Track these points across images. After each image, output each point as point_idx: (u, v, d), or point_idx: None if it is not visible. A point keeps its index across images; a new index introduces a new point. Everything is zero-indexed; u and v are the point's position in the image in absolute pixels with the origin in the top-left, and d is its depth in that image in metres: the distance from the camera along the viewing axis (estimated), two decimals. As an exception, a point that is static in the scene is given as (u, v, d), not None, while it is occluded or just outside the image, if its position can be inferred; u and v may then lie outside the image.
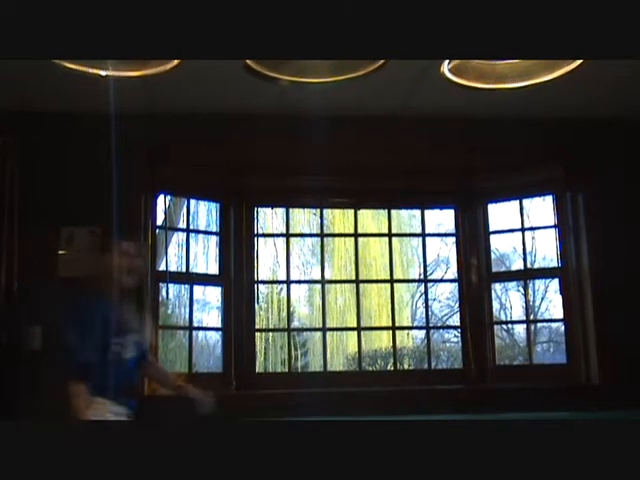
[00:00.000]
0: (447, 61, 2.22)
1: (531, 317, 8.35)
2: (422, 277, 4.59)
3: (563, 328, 4.17)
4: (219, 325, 4.16)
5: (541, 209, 4.36)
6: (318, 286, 4.37)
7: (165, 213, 4.39)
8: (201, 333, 6.33)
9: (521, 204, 4.27)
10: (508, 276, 5.78)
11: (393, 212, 4.52)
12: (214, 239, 4.33)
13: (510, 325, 10.16)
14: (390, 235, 4.49)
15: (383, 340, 7.80)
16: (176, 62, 2.19)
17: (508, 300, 9.74)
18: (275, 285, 7.42)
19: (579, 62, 2.17)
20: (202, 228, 5.09)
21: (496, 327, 4.33)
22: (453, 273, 4.47)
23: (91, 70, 2.24)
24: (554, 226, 4.21)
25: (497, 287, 7.84)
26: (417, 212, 4.51)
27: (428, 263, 4.57)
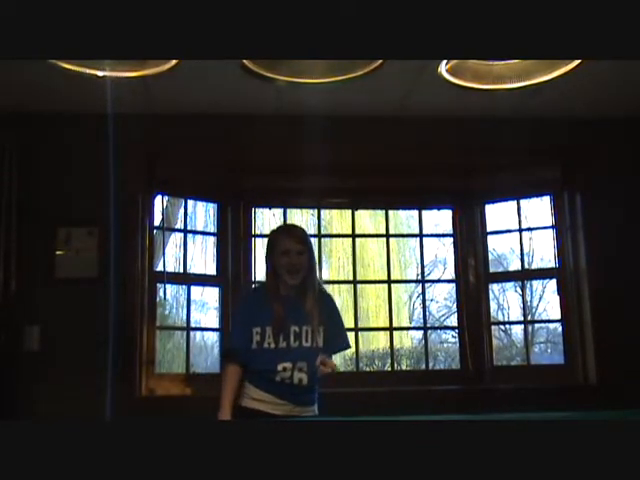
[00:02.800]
0: (444, 61, 2.22)
1: (529, 317, 8.37)
2: (420, 278, 4.59)
3: (561, 328, 4.18)
4: (217, 326, 4.16)
5: (539, 209, 4.36)
6: (316, 286, 4.37)
7: (163, 213, 4.39)
8: (199, 334, 6.32)
9: (519, 204, 4.27)
10: (506, 276, 5.78)
11: (390, 212, 4.52)
12: (212, 240, 4.33)
13: (508, 325, 10.17)
14: (388, 236, 4.49)
15: (381, 341, 7.80)
16: (174, 62, 2.20)
17: (506, 300, 9.75)
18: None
19: (577, 62, 2.18)
20: (200, 229, 5.10)
21: (494, 327, 4.32)
22: (451, 274, 4.47)
23: (89, 71, 2.24)
24: (552, 226, 4.21)
25: (495, 288, 7.84)
26: (414, 212, 4.51)
27: (426, 264, 4.58)
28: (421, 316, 4.38)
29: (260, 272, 4.03)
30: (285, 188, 4.14)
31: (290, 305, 2.90)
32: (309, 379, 2.84)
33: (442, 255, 8.77)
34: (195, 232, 4.47)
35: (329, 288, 4.13)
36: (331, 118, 3.79)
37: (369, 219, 7.26)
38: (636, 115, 3.99)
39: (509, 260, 8.01)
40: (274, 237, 2.99)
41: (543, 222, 4.32)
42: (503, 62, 2.29)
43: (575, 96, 3.66)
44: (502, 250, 8.10)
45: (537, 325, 9.71)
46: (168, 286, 4.09)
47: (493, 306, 4.55)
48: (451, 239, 4.40)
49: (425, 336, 4.49)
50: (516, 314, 9.59)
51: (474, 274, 4.21)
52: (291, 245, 2.90)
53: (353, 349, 4.08)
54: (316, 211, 4.44)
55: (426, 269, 4.79)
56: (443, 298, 9.83)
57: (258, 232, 4.25)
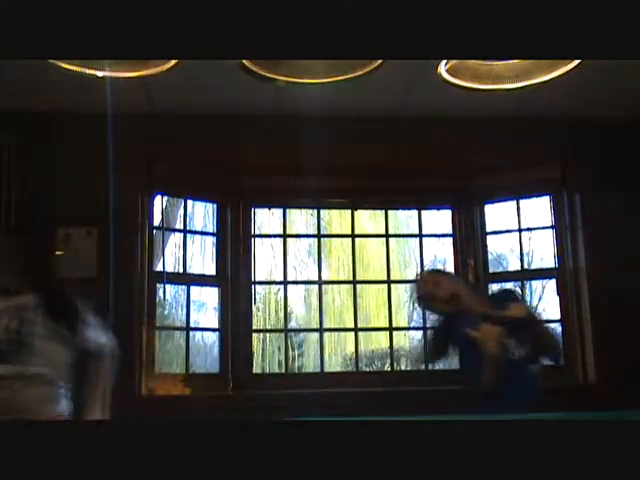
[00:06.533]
0: (444, 61, 2.22)
1: (528, 318, 8.32)
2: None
3: (560, 329, 4.17)
4: (216, 326, 4.15)
5: (538, 209, 4.36)
6: (315, 287, 4.36)
7: (162, 213, 4.39)
8: (198, 334, 6.29)
9: (518, 204, 4.27)
10: (505, 277, 5.77)
11: (390, 213, 4.52)
12: (211, 240, 4.33)
13: (507, 326, 10.14)
14: (387, 236, 4.49)
15: (380, 341, 7.78)
16: (173, 62, 2.20)
17: (505, 301, 9.71)
18: (272, 286, 7.38)
19: (576, 62, 2.18)
20: (199, 229, 5.07)
21: (493, 327, 4.31)
22: (450, 274, 4.46)
23: (89, 71, 2.24)
24: (551, 226, 4.21)
25: (494, 288, 7.82)
26: (414, 213, 4.51)
27: (425, 264, 4.56)
28: (421, 316, 4.37)
29: (260, 272, 4.02)
30: (285, 188, 4.14)
31: None
32: None
33: (441, 255, 8.75)
34: (194, 232, 4.46)
35: (328, 288, 4.11)
36: (331, 118, 3.79)
37: (369, 219, 7.24)
38: (635, 115, 3.99)
39: (508, 260, 7.99)
40: None
41: (543, 222, 4.32)
42: (503, 62, 2.29)
43: (575, 96, 3.66)
44: (501, 250, 8.08)
45: (536, 325, 9.70)
46: (167, 286, 4.09)
47: (493, 306, 4.53)
48: (451, 239, 4.40)
49: (425, 336, 4.48)
50: (516, 314, 9.56)
51: (473, 274, 4.21)
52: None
53: (353, 349, 4.07)
54: (316, 211, 4.44)
55: (425, 269, 4.77)
56: (443, 298, 9.79)
57: (257, 232, 4.25)
